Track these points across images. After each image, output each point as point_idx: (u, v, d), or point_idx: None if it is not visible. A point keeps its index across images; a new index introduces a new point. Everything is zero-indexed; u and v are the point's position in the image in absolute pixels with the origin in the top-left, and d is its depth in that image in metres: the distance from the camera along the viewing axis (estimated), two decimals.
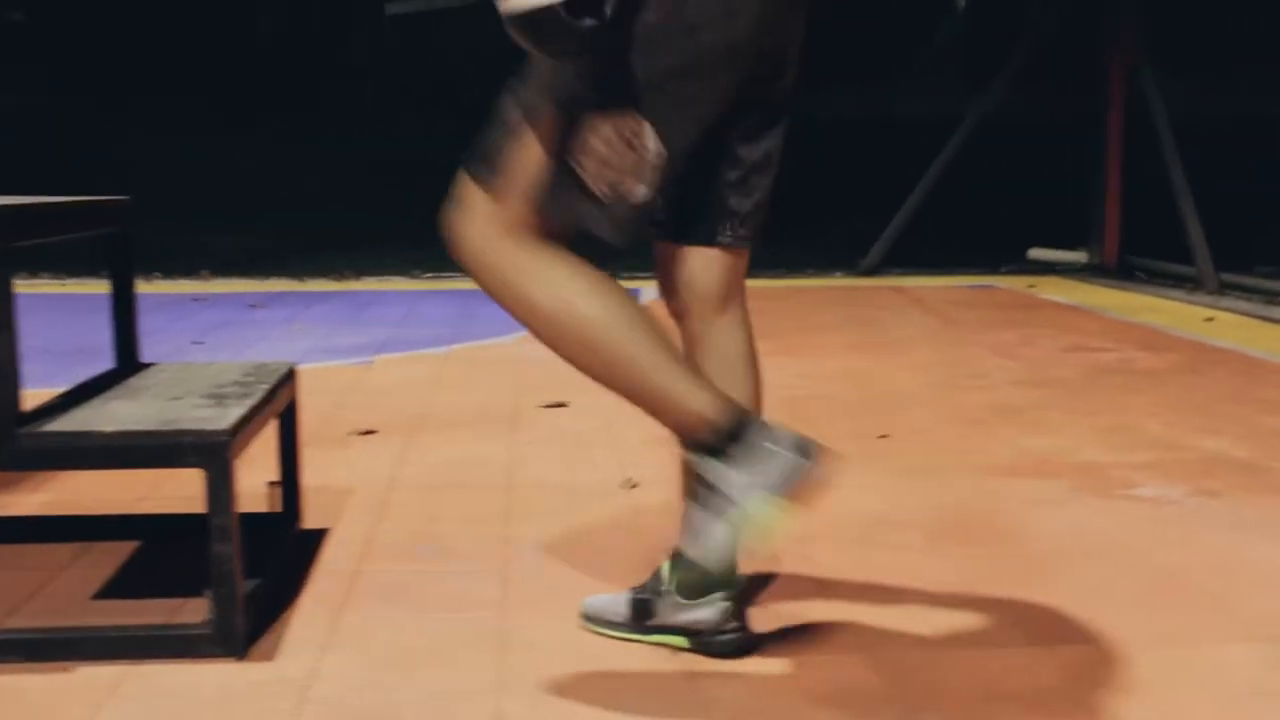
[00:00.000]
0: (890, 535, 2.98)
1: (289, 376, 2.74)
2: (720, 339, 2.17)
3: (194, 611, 2.34)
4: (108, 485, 3.30)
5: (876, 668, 2.19)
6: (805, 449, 1.86)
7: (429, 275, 9.03)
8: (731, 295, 2.18)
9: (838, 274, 9.30)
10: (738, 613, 2.22)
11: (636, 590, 2.30)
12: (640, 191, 1.85)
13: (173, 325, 6.37)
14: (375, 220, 12.33)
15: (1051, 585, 2.61)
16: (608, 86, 1.81)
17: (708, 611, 2.20)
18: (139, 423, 2.17)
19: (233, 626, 2.16)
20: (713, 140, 1.98)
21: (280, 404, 2.63)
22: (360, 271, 9.21)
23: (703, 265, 2.15)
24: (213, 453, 2.11)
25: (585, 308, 1.89)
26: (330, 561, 2.75)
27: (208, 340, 5.80)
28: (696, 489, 1.91)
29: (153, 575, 2.64)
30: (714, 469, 1.88)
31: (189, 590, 2.44)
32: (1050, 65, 9.70)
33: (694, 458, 1.92)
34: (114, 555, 2.77)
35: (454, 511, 3.15)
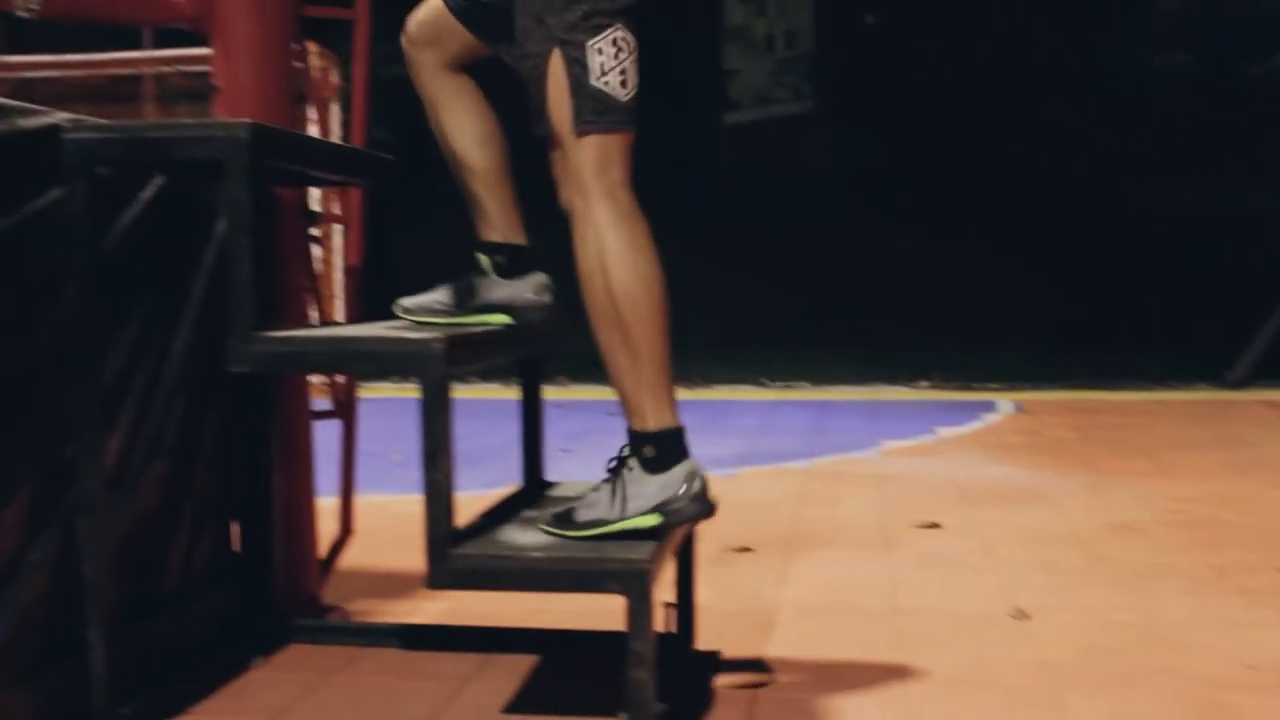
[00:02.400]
0: None
1: None
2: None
3: None
4: (501, 594, 3.41)
5: None
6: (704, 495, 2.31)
7: (779, 384, 9.08)
8: None
9: (1202, 386, 8.86)
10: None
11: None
12: None
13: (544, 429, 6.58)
14: (718, 325, 12.51)
15: None
16: None
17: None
18: (564, 548, 2.23)
19: None
20: None
21: (686, 529, 2.66)
22: (710, 379, 9.34)
23: None
24: (635, 581, 2.15)
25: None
26: (726, 685, 2.75)
27: (574, 448, 5.96)
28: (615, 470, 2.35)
29: (559, 692, 2.70)
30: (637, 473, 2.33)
31: (599, 710, 2.48)
32: None
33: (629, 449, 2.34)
34: (516, 668, 2.85)
35: (842, 636, 3.11)
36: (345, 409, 3.21)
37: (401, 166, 2.91)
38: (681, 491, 2.30)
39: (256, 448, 2.87)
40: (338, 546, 3.28)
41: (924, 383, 9.27)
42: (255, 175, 2.12)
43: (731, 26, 20.93)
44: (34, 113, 2.16)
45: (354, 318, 3.06)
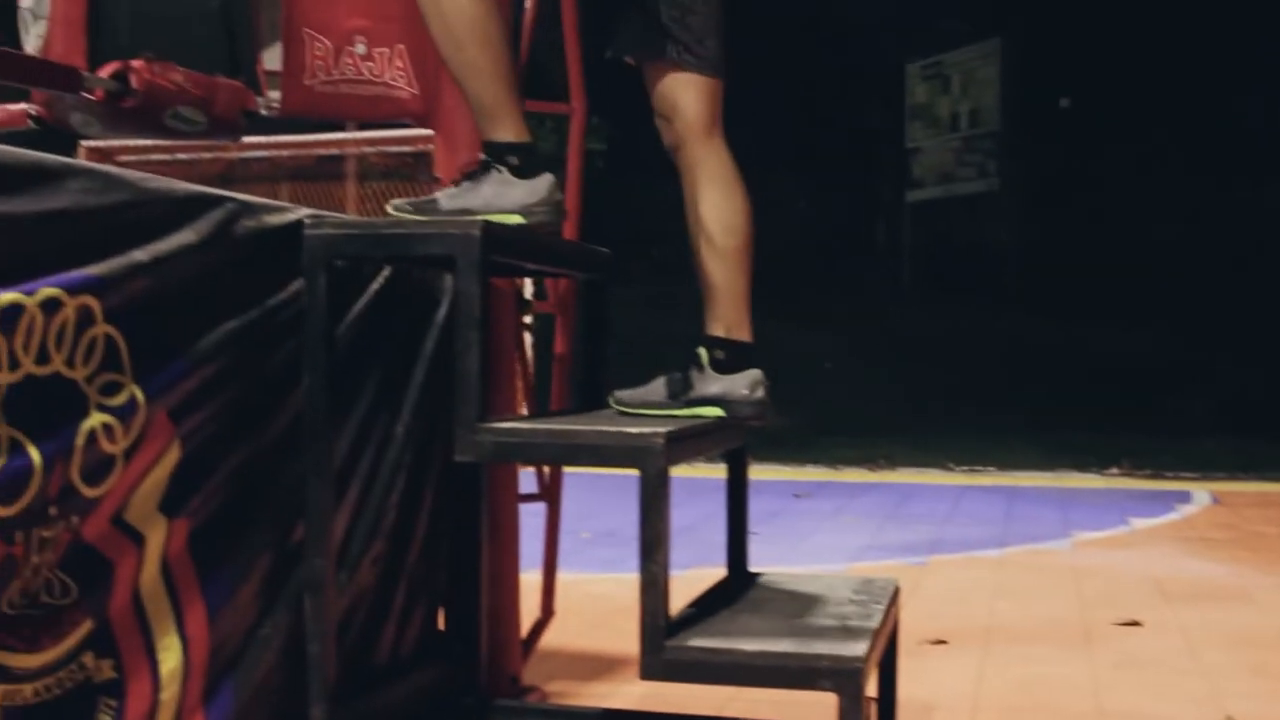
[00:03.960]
0: None
1: (895, 596, 2.76)
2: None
3: None
4: None
5: None
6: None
7: (964, 469, 8.95)
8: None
9: None
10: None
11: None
12: None
13: (724, 511, 6.59)
14: (900, 405, 12.40)
15: None
16: None
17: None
18: (775, 644, 2.23)
19: None
20: None
21: (891, 624, 2.65)
22: (894, 460, 9.25)
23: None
24: (848, 679, 2.14)
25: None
26: None
27: (762, 530, 5.95)
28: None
29: None
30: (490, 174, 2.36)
31: None
32: None
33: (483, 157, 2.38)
34: None
35: None
36: (551, 493, 3.27)
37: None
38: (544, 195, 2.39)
39: (466, 529, 2.94)
40: (539, 627, 3.33)
41: (1114, 470, 9.05)
42: (484, 270, 2.20)
43: (914, 105, 20.83)
44: (280, 209, 2.27)
45: (564, 407, 3.13)
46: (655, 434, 2.18)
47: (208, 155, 8.30)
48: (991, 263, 19.10)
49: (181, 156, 8.12)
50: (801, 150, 19.63)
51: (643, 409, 2.49)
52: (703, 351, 2.50)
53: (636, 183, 17.87)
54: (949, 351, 14.48)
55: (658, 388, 2.51)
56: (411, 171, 8.14)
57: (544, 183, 2.40)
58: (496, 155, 2.38)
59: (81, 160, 3.80)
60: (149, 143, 6.55)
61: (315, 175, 8.34)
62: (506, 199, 2.36)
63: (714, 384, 2.49)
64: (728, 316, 2.51)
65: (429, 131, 3.16)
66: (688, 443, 2.32)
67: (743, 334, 2.53)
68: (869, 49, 20.44)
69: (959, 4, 19.60)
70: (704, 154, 2.53)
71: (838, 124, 20.05)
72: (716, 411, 2.49)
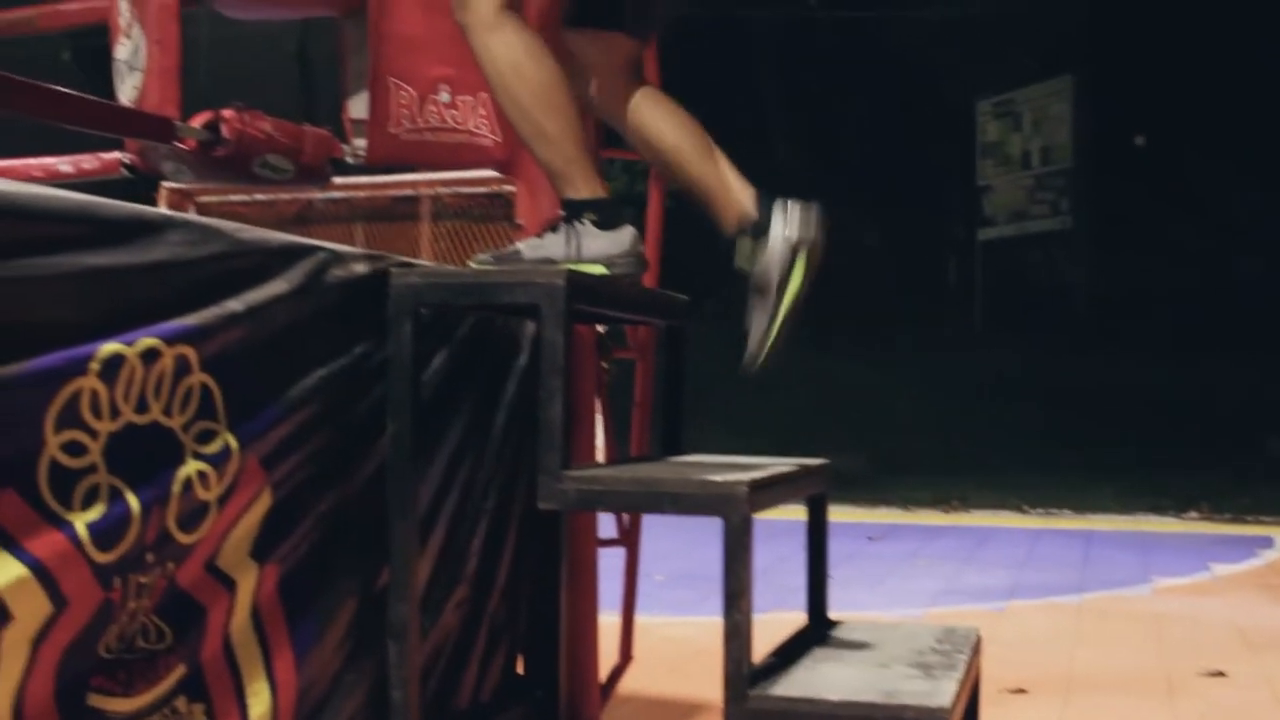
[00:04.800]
0: None
1: (978, 645, 2.73)
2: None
3: None
4: None
5: None
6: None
7: (1040, 511, 8.85)
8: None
9: None
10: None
11: None
12: None
13: (797, 554, 6.56)
14: (972, 446, 12.29)
15: None
16: None
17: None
18: (860, 693, 2.22)
19: None
20: None
21: (974, 674, 2.62)
22: (968, 502, 9.18)
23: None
24: None
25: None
26: None
27: (836, 573, 5.91)
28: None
29: None
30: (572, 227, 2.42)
31: None
32: None
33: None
34: None
35: None
36: (630, 537, 3.28)
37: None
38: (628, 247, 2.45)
39: (546, 573, 2.95)
40: (618, 672, 3.33)
41: (1193, 513, 8.91)
42: (569, 319, 2.21)
43: (985, 142, 20.75)
44: (368, 258, 2.30)
45: (643, 451, 3.13)
46: (738, 482, 2.18)
47: (285, 196, 8.42)
48: (1065, 300, 18.95)
49: (259, 197, 8.23)
50: (872, 188, 19.60)
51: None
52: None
53: (706, 222, 17.93)
54: (1022, 391, 14.36)
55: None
56: (486, 212, 8.21)
57: (627, 235, 2.42)
58: (575, 213, 2.41)
59: (175, 211, 3.85)
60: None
61: (390, 216, 8.42)
62: (589, 250, 2.38)
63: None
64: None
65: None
66: (771, 490, 2.32)
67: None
68: (939, 87, 20.41)
69: (1030, 41, 19.53)
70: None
71: (909, 162, 20.00)
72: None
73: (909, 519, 8.44)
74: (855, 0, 19.03)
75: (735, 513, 2.17)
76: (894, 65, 20.12)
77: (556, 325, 2.20)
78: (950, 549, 7.06)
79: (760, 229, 2.51)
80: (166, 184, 5.88)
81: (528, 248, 2.44)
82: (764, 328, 2.52)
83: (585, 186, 2.42)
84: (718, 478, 2.22)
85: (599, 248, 2.40)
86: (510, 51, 2.41)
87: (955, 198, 20.98)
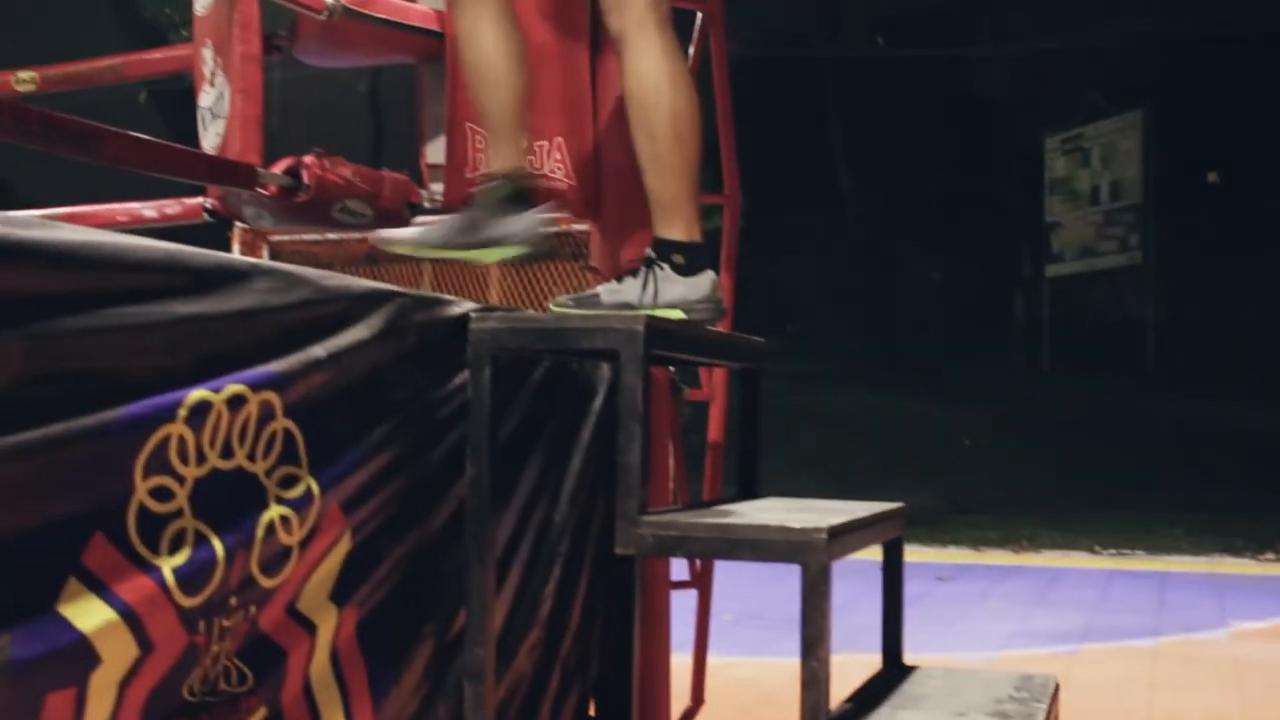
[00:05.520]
0: None
1: (1055, 693, 2.70)
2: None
3: None
4: None
5: None
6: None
7: (1112, 551, 8.73)
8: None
9: None
10: None
11: None
12: None
13: (866, 595, 6.51)
14: (1040, 484, 12.16)
15: None
16: None
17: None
18: None
19: None
20: None
21: None
22: (1037, 542, 9.07)
23: None
24: None
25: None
26: None
27: (906, 614, 5.86)
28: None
29: None
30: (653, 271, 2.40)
31: None
32: None
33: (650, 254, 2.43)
34: None
35: None
36: (702, 580, 3.27)
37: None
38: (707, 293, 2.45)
39: (618, 616, 2.95)
40: (689, 716, 3.32)
41: (1269, 555, 8.75)
42: (647, 364, 2.22)
43: (1053, 178, 20.61)
44: (446, 303, 2.32)
45: (715, 495, 3.13)
46: (817, 529, 2.17)
47: (355, 236, 8.50)
48: (1135, 337, 18.75)
49: (330, 236, 8.33)
50: (940, 224, 19.53)
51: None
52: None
53: (770, 258, 17.94)
54: (1091, 429, 14.20)
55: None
56: (553, 249, 8.25)
57: (706, 280, 2.42)
58: (664, 252, 2.42)
59: (248, 250, 3.89)
60: None
61: None
62: (667, 295, 2.39)
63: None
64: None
65: None
66: (849, 536, 2.31)
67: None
68: (1007, 123, 20.32)
69: (1098, 77, 19.42)
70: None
71: (975, 198, 19.92)
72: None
73: (978, 559, 8.34)
74: (922, 38, 19.01)
75: (814, 560, 2.16)
76: (961, 102, 20.07)
77: (635, 370, 2.20)
78: (1020, 590, 6.98)
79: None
80: (239, 224, 5.96)
81: (606, 292, 2.45)
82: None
83: (682, 228, 2.43)
84: (796, 524, 2.21)
85: (677, 293, 2.40)
86: (654, 71, 2.43)
87: (1022, 234, 20.84)
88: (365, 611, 2.14)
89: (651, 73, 2.44)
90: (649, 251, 2.44)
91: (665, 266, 2.40)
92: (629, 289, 2.42)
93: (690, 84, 2.49)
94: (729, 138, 3.25)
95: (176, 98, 11.99)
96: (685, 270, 2.40)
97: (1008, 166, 20.50)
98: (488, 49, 2.47)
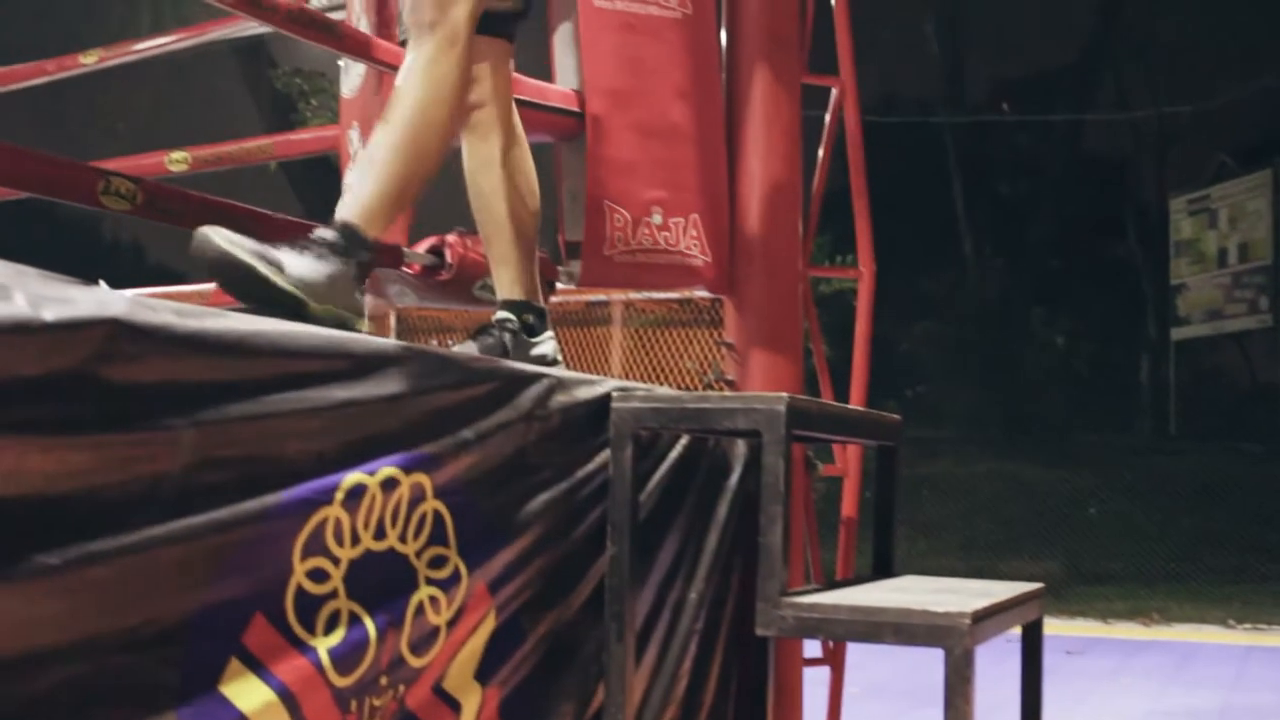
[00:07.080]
0: None
1: None
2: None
3: None
4: None
5: None
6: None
7: (1247, 626, 8.48)
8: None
9: None
10: None
11: None
12: None
13: (998, 668, 6.40)
14: (1170, 554, 11.86)
15: None
16: None
17: None
18: None
19: None
20: None
21: None
22: (1168, 615, 8.84)
23: None
24: None
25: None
26: None
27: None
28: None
29: None
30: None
31: None
32: None
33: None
34: None
35: None
36: (835, 658, 3.24)
37: None
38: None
39: (752, 693, 2.93)
40: None
41: None
42: (789, 444, 2.22)
43: (1179, 240, 20.25)
44: (588, 382, 2.34)
45: (849, 570, 3.11)
46: (961, 614, 2.14)
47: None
48: (1265, 401, 18.29)
49: (456, 305, 8.46)
50: (1064, 287, 19.27)
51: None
52: (514, 317, 2.53)
53: (892, 323, 17.83)
54: (1220, 497, 13.82)
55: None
56: (675, 316, 8.28)
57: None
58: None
59: (381, 322, 3.93)
60: None
61: (583, 321, 8.56)
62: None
63: (534, 349, 2.54)
64: (527, 280, 2.54)
65: None
66: (992, 620, 2.28)
67: (538, 297, 2.57)
68: (1132, 185, 20.06)
69: (1225, 137, 19.11)
70: (508, 115, 2.53)
71: (1100, 261, 19.65)
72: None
73: (1107, 632, 8.16)
74: (1047, 102, 18.86)
75: (958, 644, 2.13)
76: (1085, 165, 19.85)
77: (777, 451, 2.20)
78: (1154, 665, 6.81)
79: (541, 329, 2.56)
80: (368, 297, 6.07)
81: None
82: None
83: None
84: (939, 608, 2.19)
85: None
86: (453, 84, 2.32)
87: (1148, 297, 20.49)
88: (507, 690, 2.16)
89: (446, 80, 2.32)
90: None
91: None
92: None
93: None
94: (864, 214, 3.25)
95: (303, 166, 12.27)
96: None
97: (1132, 229, 20.21)
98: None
